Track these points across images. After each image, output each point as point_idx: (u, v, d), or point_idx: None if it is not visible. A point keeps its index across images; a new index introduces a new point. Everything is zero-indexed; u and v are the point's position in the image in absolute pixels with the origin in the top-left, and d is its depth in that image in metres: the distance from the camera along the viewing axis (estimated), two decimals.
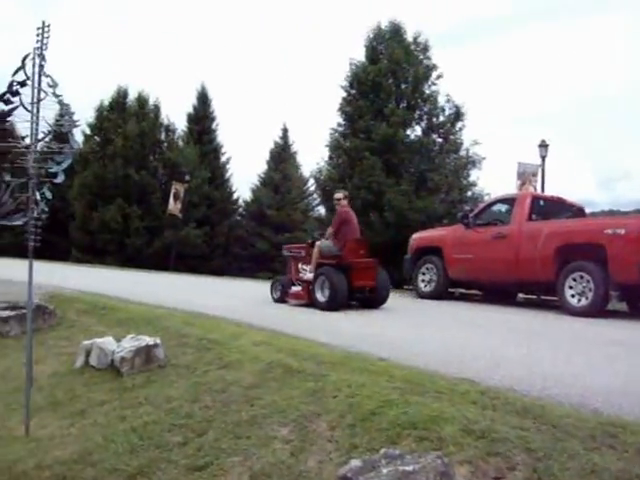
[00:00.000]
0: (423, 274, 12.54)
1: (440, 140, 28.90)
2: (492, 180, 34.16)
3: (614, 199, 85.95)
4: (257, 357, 6.37)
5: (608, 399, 4.39)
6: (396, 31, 29.51)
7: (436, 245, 12.40)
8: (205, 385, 5.97)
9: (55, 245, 38.11)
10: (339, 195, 11.45)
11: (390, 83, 28.51)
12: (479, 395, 4.55)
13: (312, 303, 10.68)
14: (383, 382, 5.10)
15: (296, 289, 11.36)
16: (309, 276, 10.98)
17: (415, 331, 7.98)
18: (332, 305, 10.18)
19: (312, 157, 73.74)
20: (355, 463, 3.42)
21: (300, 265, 11.57)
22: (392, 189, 26.07)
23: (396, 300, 12.55)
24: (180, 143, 38.54)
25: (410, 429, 4.12)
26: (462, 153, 28.52)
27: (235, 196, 42.33)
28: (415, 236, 13.44)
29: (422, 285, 12.55)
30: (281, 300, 11.57)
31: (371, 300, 10.80)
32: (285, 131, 43.19)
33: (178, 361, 6.91)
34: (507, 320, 9.38)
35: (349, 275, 10.41)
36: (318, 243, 11.01)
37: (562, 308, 10.03)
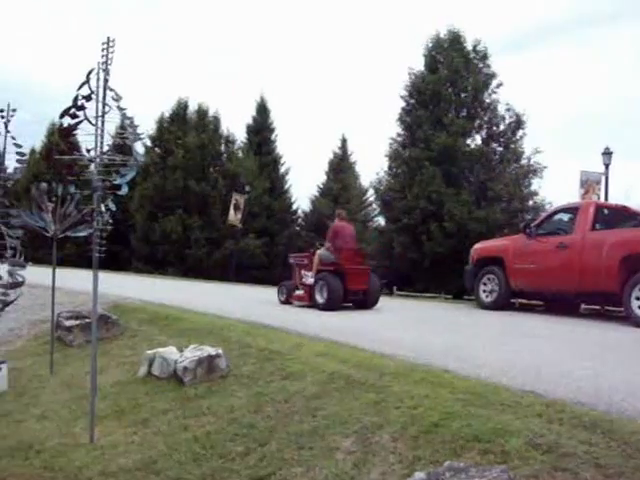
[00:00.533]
0: (484, 284, 12.38)
1: (500, 149, 28.75)
2: (555, 189, 33.70)
3: None
4: (319, 368, 6.38)
5: None
6: (455, 39, 29.49)
7: (498, 255, 12.23)
8: (267, 395, 6.01)
9: (116, 255, 38.87)
10: (338, 212, 13.58)
11: (449, 92, 28.52)
12: (544, 408, 4.47)
13: (313, 304, 12.12)
14: (446, 394, 5.06)
15: (299, 292, 12.89)
16: (310, 281, 12.45)
17: (479, 342, 7.88)
18: (330, 306, 11.66)
19: (371, 167, 73.64)
20: (419, 476, 3.41)
21: (303, 271, 12.98)
22: (452, 199, 25.98)
23: (455, 311, 12.48)
24: (240, 154, 38.91)
25: (474, 442, 4.08)
26: (523, 162, 28.30)
27: (294, 207, 42.58)
28: (476, 246, 13.29)
29: (483, 296, 12.39)
30: (286, 302, 13.16)
31: (364, 302, 12.32)
32: (344, 141, 43.34)
33: (240, 371, 6.96)
34: (570, 331, 9.18)
35: (344, 280, 11.91)
36: (318, 252, 12.52)
37: (628, 320, 9.77)
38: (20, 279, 5.61)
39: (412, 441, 4.36)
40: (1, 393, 7.90)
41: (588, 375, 5.54)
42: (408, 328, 9.32)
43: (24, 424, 6.55)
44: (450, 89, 28.61)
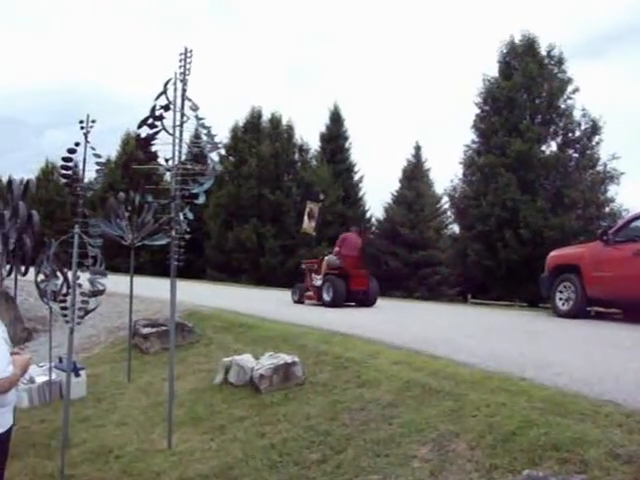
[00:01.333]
0: (561, 292, 12.10)
1: (576, 155, 28.16)
2: (634, 196, 32.70)
3: None
4: (395, 376, 6.38)
5: None
6: (529, 45, 29.05)
7: (574, 263, 11.94)
8: (343, 403, 6.04)
9: (191, 263, 39.40)
10: (352, 228, 16.39)
11: (524, 98, 28.13)
12: (624, 418, 4.36)
13: (321, 303, 14.31)
14: (522, 402, 4.99)
15: (310, 293, 15.24)
16: (319, 282, 14.70)
17: (556, 350, 7.72)
18: (335, 303, 13.86)
19: (445, 174, 72.99)
20: None
21: (313, 275, 15.26)
22: (527, 206, 25.59)
23: (531, 319, 12.25)
24: (314, 163, 39.06)
25: (552, 451, 4.02)
26: (599, 168, 27.62)
27: (368, 215, 42.47)
28: (552, 254, 13.02)
29: (560, 304, 12.12)
30: (299, 302, 15.33)
31: (364, 301, 14.40)
32: (417, 149, 42.91)
33: (316, 379, 7.01)
34: None
35: (347, 281, 14.13)
36: (326, 258, 14.73)
37: None
38: (101, 287, 5.75)
39: (489, 449, 4.32)
40: (80, 399, 8.14)
41: None
42: (483, 337, 9.20)
43: (103, 429, 6.74)
44: (525, 95, 28.17)
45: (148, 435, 6.33)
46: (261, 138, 36.42)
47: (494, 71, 29.84)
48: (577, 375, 5.82)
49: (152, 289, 14.63)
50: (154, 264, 38.14)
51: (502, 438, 4.40)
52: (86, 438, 6.44)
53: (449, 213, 38.10)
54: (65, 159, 5.83)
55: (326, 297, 14.18)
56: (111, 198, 8.20)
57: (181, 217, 5.97)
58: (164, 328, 10.01)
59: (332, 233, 35.33)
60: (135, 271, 8.97)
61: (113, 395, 8.13)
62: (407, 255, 38.08)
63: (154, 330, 10.03)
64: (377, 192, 70.75)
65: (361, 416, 5.61)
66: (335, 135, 40.58)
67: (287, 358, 7.12)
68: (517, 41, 29.50)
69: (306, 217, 27.41)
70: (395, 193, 42.23)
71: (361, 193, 41.46)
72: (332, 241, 34.76)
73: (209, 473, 5.09)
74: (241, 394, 7.04)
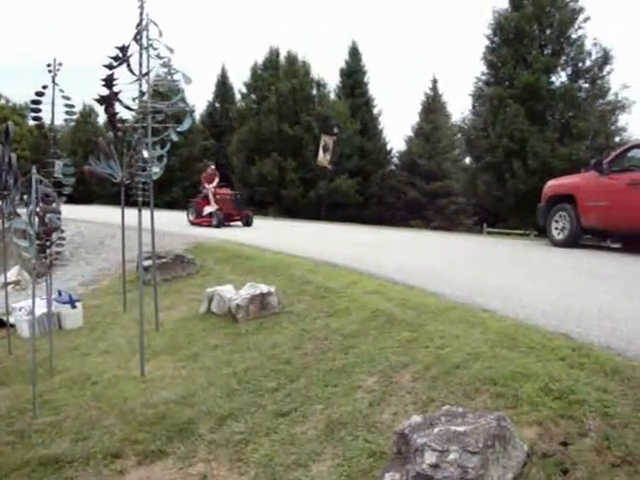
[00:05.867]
0: (556, 222, 11.84)
1: (586, 85, 27.30)
2: None
3: None
4: (365, 305, 6.26)
5: None
6: None
7: (569, 193, 11.63)
8: (310, 332, 5.94)
9: None
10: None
11: (534, 29, 27.20)
12: (570, 352, 4.16)
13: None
14: (477, 334, 4.84)
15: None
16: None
17: (534, 281, 7.51)
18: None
19: (462, 106, 71.58)
20: (416, 419, 3.22)
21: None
22: (535, 136, 25.00)
23: (526, 248, 12.03)
24: (332, 97, 38.58)
25: (489, 385, 3.88)
26: (610, 98, 26.77)
27: (389, 147, 41.99)
28: (549, 184, 12.70)
29: (555, 233, 11.87)
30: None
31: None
32: (435, 82, 42.05)
33: (293, 308, 6.91)
34: (638, 272, 8.61)
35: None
36: None
37: None
38: (55, 225, 5.62)
39: (430, 382, 4.19)
40: (78, 328, 8.15)
41: (630, 318, 5.15)
42: (468, 267, 9.01)
43: (88, 357, 6.71)
44: (535, 26, 27.20)
45: (127, 363, 6.28)
46: (280, 76, 35.96)
47: (505, 3, 28.87)
48: (542, 306, 5.63)
49: (170, 223, 14.59)
50: (186, 198, 38.37)
51: (445, 371, 4.25)
52: (70, 366, 6.41)
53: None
54: (34, 102, 5.66)
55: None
56: (100, 138, 8.01)
57: (145, 154, 5.77)
58: (164, 260, 9.96)
59: (351, 165, 35.16)
60: (167, 206, 8.78)
61: (107, 325, 8.10)
62: (425, 185, 37.78)
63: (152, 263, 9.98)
64: (399, 125, 69.91)
65: (323, 345, 5.50)
66: (353, 70, 40.09)
67: (264, 288, 7.00)
68: None
69: (321, 150, 27.25)
70: (415, 126, 41.67)
71: (380, 126, 40.98)
72: (352, 173, 34.89)
73: (172, 399, 5.01)
74: (220, 323, 6.97)
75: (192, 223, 18.22)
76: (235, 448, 4.09)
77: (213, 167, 19.77)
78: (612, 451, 2.99)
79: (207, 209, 18.07)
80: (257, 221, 19.21)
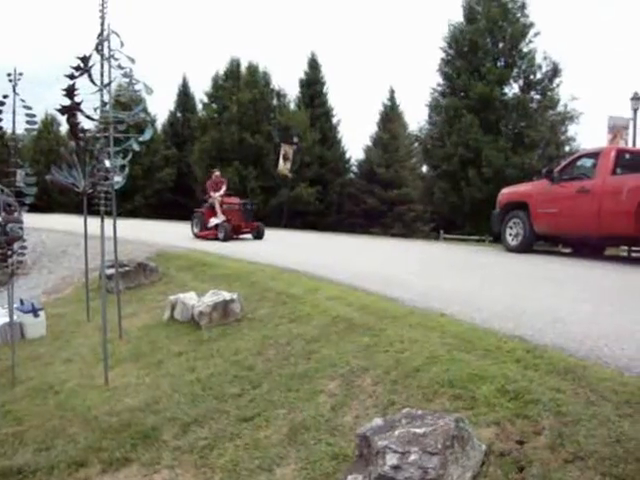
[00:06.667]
0: (510, 228, 12.06)
1: (537, 97, 28.09)
2: (593, 135, 33.02)
3: None
4: (326, 311, 6.27)
5: None
6: None
7: (523, 200, 11.85)
8: (272, 338, 5.93)
9: (184, 206, 39.38)
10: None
11: (487, 42, 27.91)
12: (525, 353, 4.23)
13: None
14: (435, 338, 4.88)
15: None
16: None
17: (488, 285, 7.61)
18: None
19: (419, 116, 72.55)
20: (377, 422, 3.25)
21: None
22: (489, 146, 25.57)
23: (481, 254, 12.18)
24: (292, 107, 38.71)
25: (447, 387, 3.92)
26: (560, 109, 27.56)
27: (347, 156, 42.24)
28: (503, 191, 12.94)
29: (509, 239, 12.08)
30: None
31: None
32: (392, 92, 42.43)
33: (255, 315, 6.90)
34: (586, 275, 8.70)
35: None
36: None
37: None
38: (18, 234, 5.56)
39: (391, 385, 4.22)
40: (40, 338, 8.03)
41: (581, 320, 5.25)
42: (425, 273, 9.09)
43: (51, 367, 6.63)
44: (488, 39, 27.89)
45: (91, 371, 6.21)
46: (241, 85, 35.99)
47: (460, 16, 29.38)
48: (498, 310, 5.69)
49: (136, 231, 14.46)
50: (148, 207, 38.12)
51: (405, 374, 4.29)
52: (33, 375, 6.33)
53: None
54: None
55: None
56: (62, 148, 7.94)
57: (107, 164, 5.72)
58: (127, 268, 9.87)
59: (311, 174, 35.25)
60: (129, 214, 8.65)
61: (70, 333, 8.00)
62: (383, 193, 38.06)
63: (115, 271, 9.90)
64: (357, 135, 70.33)
65: (285, 351, 5.50)
66: (313, 80, 40.27)
67: (226, 295, 6.99)
68: None
69: (281, 159, 27.25)
70: (373, 135, 42.02)
71: (339, 136, 41.25)
72: (312, 182, 34.99)
73: (136, 407, 4.98)
74: (184, 330, 6.93)
75: (197, 236, 16.20)
76: (200, 454, 4.07)
77: (217, 173, 17.56)
78: (565, 448, 3.05)
79: (213, 220, 15.97)
80: None
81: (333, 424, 3.96)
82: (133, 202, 35.15)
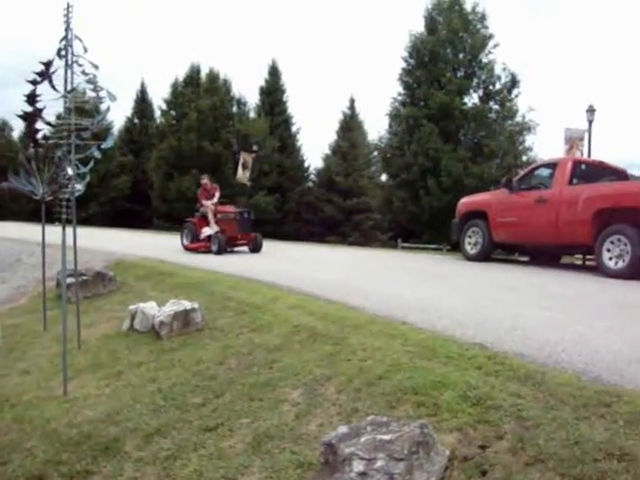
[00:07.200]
0: (469, 237, 12.24)
1: (496, 107, 28.57)
2: (549, 146, 33.87)
3: None
4: (287, 320, 6.29)
5: (613, 366, 4.08)
6: (454, 1, 29.06)
7: (482, 209, 12.04)
8: (233, 348, 5.93)
9: (139, 213, 39.08)
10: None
11: (448, 53, 28.32)
12: (486, 360, 4.32)
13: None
14: (397, 346, 4.93)
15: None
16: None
17: (448, 294, 7.71)
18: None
19: (379, 126, 73.14)
20: (342, 430, 3.28)
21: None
22: (449, 155, 25.91)
23: (440, 263, 12.33)
24: (252, 115, 38.72)
25: (411, 394, 3.97)
26: (518, 119, 28.10)
27: (307, 164, 42.49)
28: (463, 201, 13.12)
29: (468, 248, 12.26)
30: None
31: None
32: (352, 101, 42.78)
33: (215, 324, 6.89)
34: (542, 282, 8.86)
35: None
36: None
37: (599, 270, 9.60)
38: None
39: (354, 393, 4.26)
40: None
41: (539, 327, 5.38)
42: (385, 281, 9.17)
43: (7, 379, 6.52)
44: (449, 49, 28.34)
45: (48, 383, 6.13)
46: (200, 93, 35.88)
47: (421, 26, 29.76)
48: (458, 318, 5.79)
49: (92, 239, 14.24)
50: (103, 215, 37.69)
51: (368, 382, 4.33)
52: None
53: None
54: None
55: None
56: (20, 154, 7.83)
57: (69, 171, 5.67)
58: (85, 278, 9.77)
59: (270, 182, 35.26)
60: (84, 222, 8.54)
61: (27, 344, 7.87)
62: (342, 202, 38.28)
63: (73, 280, 9.75)
64: (317, 143, 70.58)
65: (247, 360, 5.51)
66: (273, 88, 40.48)
67: (187, 305, 6.97)
68: None
69: (240, 167, 27.12)
70: (332, 144, 42.24)
71: (299, 144, 41.47)
72: (271, 190, 34.98)
73: (96, 418, 4.94)
74: (144, 340, 6.89)
75: (187, 248, 14.76)
76: (163, 465, 4.05)
77: (205, 180, 15.63)
78: (526, 451, 3.13)
79: (205, 231, 14.42)
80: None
81: (297, 433, 3.98)
82: (87, 210, 34.70)
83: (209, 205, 14.57)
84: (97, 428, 4.75)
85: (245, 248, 14.63)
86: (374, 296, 7.16)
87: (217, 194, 15.12)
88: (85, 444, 4.53)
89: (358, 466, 2.88)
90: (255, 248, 14.45)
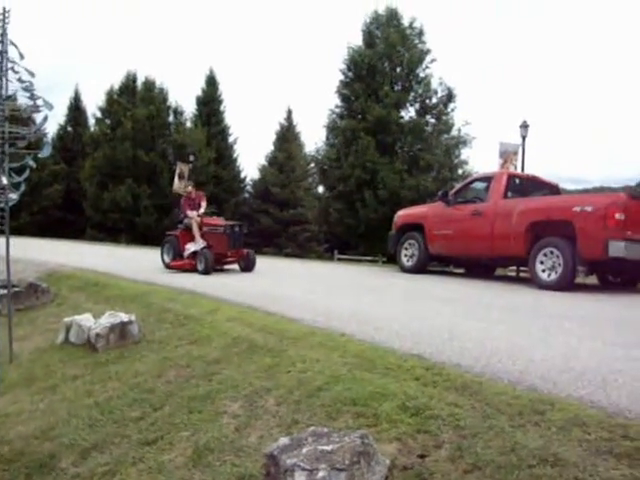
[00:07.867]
0: (406, 249, 12.45)
1: (433, 121, 29.10)
2: (484, 159, 34.77)
3: (606, 177, 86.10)
4: (226, 332, 6.27)
5: (546, 375, 4.20)
6: (392, 16, 29.58)
7: (418, 222, 12.26)
8: (172, 360, 5.88)
9: (72, 223, 38.24)
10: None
11: (385, 66, 28.72)
12: (424, 371, 4.38)
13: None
14: (336, 357, 4.97)
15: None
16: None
17: (385, 305, 7.82)
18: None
19: (317, 137, 73.69)
20: (283, 441, 3.29)
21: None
22: (385, 168, 26.25)
23: (377, 275, 12.48)
24: (189, 125, 38.46)
25: (350, 405, 4.00)
26: (454, 133, 28.70)
27: (243, 175, 42.37)
28: (399, 213, 13.33)
29: (405, 260, 12.46)
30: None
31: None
32: (289, 112, 42.86)
33: (153, 337, 6.83)
34: (477, 294, 9.11)
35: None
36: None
37: (533, 282, 9.89)
38: None
39: (294, 405, 4.27)
40: None
41: (476, 337, 5.49)
42: (324, 293, 9.23)
43: None
44: (386, 63, 28.79)
45: None
46: (136, 101, 35.49)
47: (359, 40, 30.13)
48: (396, 329, 5.85)
49: (24, 250, 13.88)
50: (35, 225, 36.73)
51: (308, 394, 4.35)
52: None
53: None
54: None
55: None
56: None
57: (3, 180, 5.56)
58: (17, 289, 9.56)
59: (206, 193, 35.01)
60: (14, 232, 8.29)
61: None
62: (278, 213, 38.27)
63: (5, 292, 9.53)
64: (253, 154, 70.46)
65: (186, 373, 5.47)
66: (210, 99, 40.23)
67: (124, 317, 6.89)
68: (381, 12, 29.94)
69: (177, 178, 26.90)
70: (269, 155, 42.19)
71: (235, 155, 41.35)
72: (206, 200, 34.65)
73: (30, 434, 4.85)
74: (79, 353, 6.77)
75: (168, 266, 12.94)
76: None
77: (190, 188, 13.87)
78: (464, 459, 3.20)
79: (190, 247, 12.52)
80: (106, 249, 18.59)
81: (238, 445, 3.98)
82: (18, 219, 33.81)
83: (194, 216, 12.78)
84: (31, 444, 4.66)
85: (236, 266, 13.03)
86: (313, 308, 7.19)
87: (203, 204, 13.45)
88: (18, 461, 4.45)
89: (300, 477, 2.90)
90: (247, 266, 12.73)
